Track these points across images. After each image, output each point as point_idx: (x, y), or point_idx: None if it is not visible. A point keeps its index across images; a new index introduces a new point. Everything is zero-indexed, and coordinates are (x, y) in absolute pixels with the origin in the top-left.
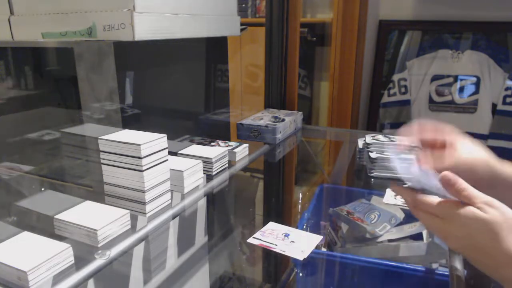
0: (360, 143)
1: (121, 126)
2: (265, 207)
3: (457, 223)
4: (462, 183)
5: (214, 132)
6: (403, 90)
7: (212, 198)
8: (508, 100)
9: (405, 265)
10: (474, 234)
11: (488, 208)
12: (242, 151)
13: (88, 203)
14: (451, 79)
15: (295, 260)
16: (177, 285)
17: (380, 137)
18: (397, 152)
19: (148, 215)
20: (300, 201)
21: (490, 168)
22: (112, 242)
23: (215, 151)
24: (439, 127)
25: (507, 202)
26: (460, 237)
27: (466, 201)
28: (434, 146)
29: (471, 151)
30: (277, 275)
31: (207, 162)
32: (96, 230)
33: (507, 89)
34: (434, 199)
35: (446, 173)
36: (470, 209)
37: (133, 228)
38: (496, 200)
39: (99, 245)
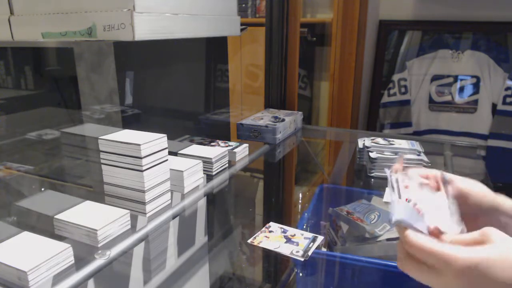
0: (360, 143)
1: (121, 126)
2: (265, 207)
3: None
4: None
5: (214, 132)
6: (403, 90)
7: (212, 198)
8: (508, 100)
9: None
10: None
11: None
12: (242, 151)
13: (88, 203)
14: (451, 79)
15: (295, 260)
16: (177, 285)
17: (379, 140)
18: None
19: (148, 215)
20: (300, 201)
21: (487, 197)
22: (112, 242)
23: (215, 151)
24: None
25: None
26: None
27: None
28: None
29: (466, 180)
30: (277, 275)
31: (207, 162)
32: (96, 230)
33: (507, 89)
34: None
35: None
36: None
37: (133, 228)
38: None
39: (99, 245)
